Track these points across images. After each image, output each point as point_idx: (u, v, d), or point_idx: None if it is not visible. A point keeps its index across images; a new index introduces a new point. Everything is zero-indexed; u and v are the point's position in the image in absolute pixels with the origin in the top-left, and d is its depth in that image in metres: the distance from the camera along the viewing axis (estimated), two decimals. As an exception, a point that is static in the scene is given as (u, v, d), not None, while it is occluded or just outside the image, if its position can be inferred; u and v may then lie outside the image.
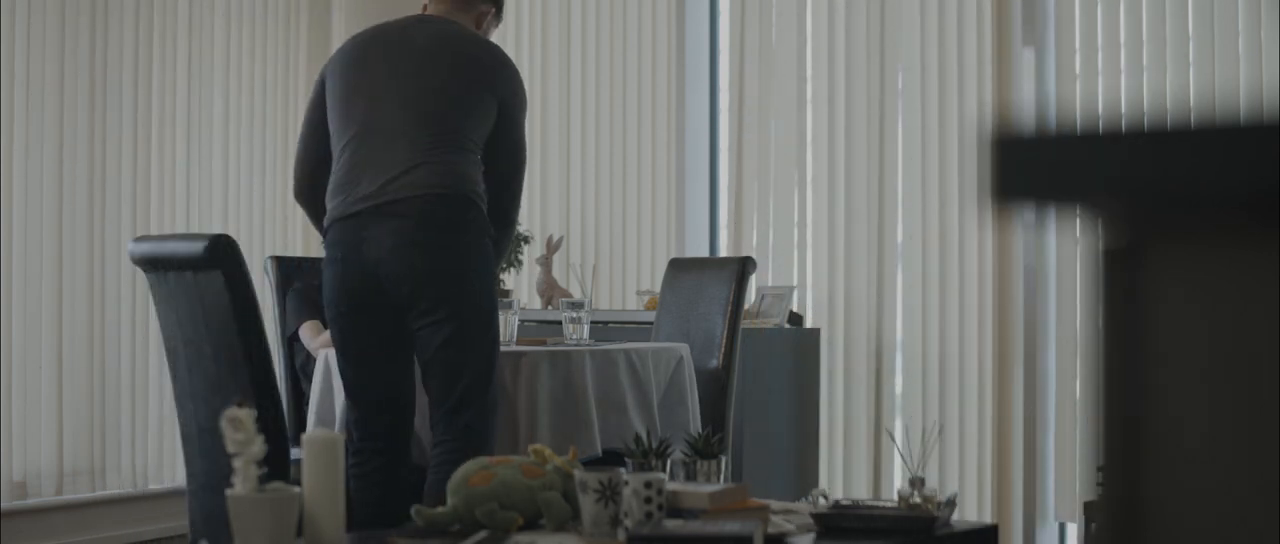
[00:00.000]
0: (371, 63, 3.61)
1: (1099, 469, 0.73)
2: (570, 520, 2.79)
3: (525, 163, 3.77)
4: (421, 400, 3.65)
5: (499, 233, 3.64)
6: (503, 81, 3.66)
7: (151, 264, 3.64)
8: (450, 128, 3.52)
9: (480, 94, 3.58)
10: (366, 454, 3.61)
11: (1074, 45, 4.67)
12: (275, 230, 5.96)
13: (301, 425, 4.23)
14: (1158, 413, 0.70)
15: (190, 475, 3.63)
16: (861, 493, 5.08)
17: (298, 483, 2.61)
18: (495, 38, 6.20)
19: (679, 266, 4.72)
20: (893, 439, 4.93)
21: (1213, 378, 0.68)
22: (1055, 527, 4.80)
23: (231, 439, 2.45)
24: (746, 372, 4.72)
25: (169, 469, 5.40)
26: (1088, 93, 4.61)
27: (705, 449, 3.17)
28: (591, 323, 4.23)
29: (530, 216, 6.02)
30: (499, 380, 3.62)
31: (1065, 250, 4.68)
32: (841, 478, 5.16)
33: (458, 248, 3.50)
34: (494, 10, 3.87)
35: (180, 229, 5.48)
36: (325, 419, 3.91)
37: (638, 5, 5.81)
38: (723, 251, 5.69)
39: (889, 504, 2.87)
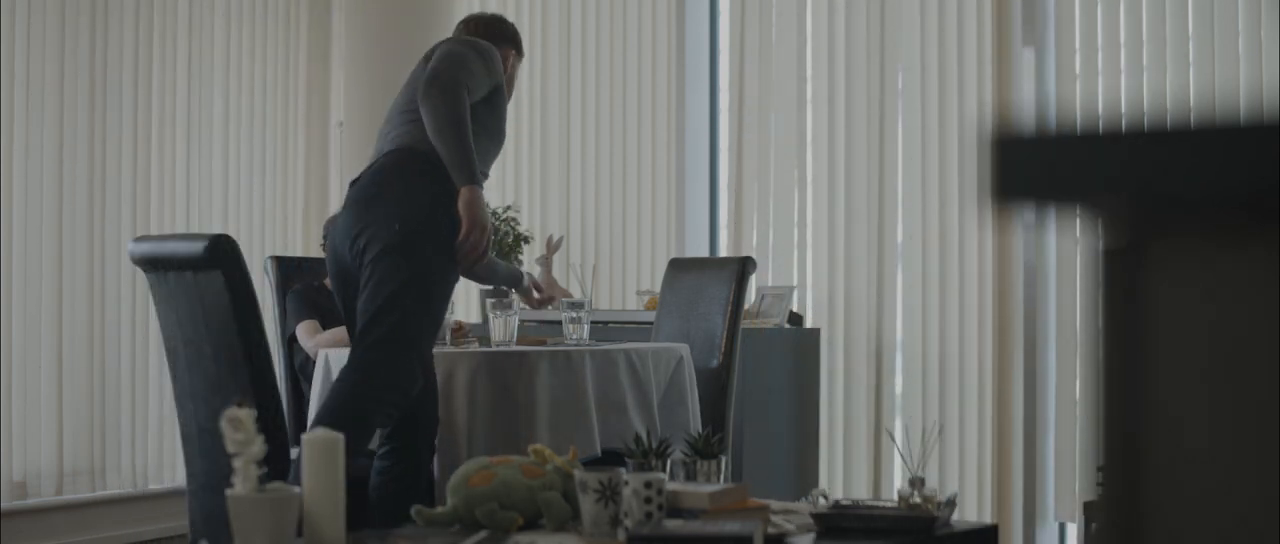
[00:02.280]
0: None
1: (1099, 469, 0.73)
2: (570, 520, 2.79)
3: (459, 59, 3.53)
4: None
5: (428, 119, 3.47)
6: (441, 42, 3.67)
7: (151, 264, 3.64)
8: (406, 108, 3.63)
9: (424, 66, 3.63)
10: (382, 454, 3.64)
11: (1074, 45, 4.67)
12: (275, 230, 5.96)
13: (302, 425, 4.23)
14: (1158, 412, 0.70)
15: (190, 475, 3.63)
16: (861, 493, 5.08)
17: (298, 483, 2.61)
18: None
19: (679, 266, 4.72)
20: (893, 439, 4.93)
21: (1213, 377, 0.68)
22: (1055, 527, 4.80)
23: (231, 439, 2.45)
24: (746, 372, 4.72)
25: (169, 469, 5.40)
26: (1088, 93, 4.61)
27: (705, 449, 3.17)
28: (591, 323, 4.23)
29: (530, 216, 6.02)
30: (413, 346, 3.47)
31: (1065, 250, 4.68)
32: (841, 478, 5.16)
33: (381, 196, 3.51)
34: (514, 51, 3.91)
35: (180, 229, 5.48)
36: (325, 419, 3.91)
37: (638, 5, 5.81)
38: (723, 251, 5.69)
39: (889, 504, 2.87)
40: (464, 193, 3.42)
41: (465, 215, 3.42)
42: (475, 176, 3.43)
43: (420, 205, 3.47)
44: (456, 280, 3.62)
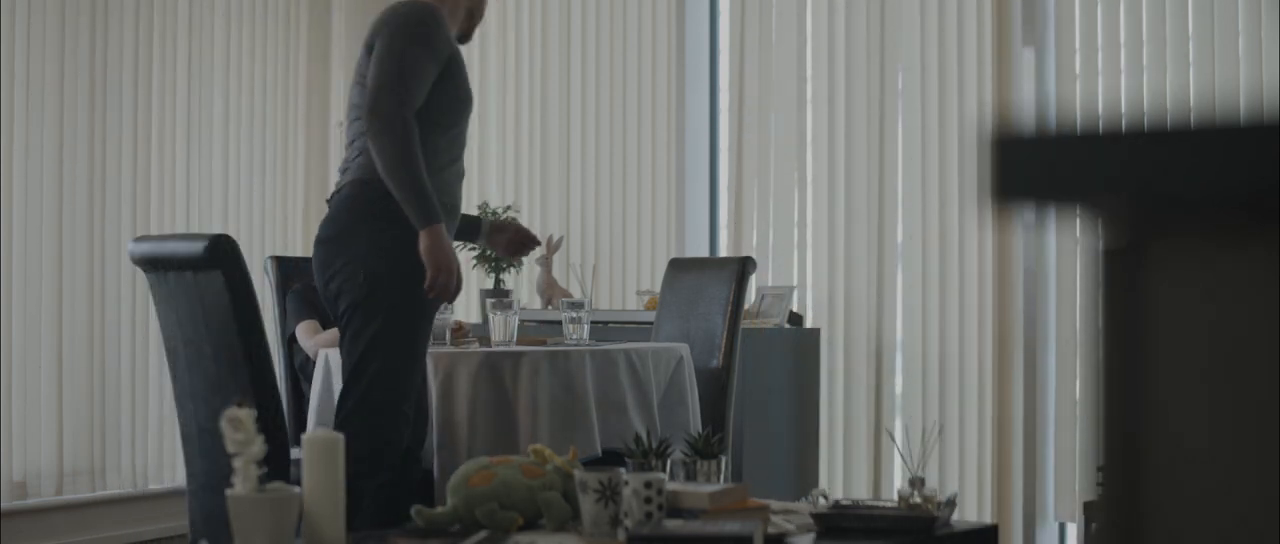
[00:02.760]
0: None
1: (1099, 469, 0.73)
2: (570, 520, 2.80)
3: (392, 67, 3.32)
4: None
5: (376, 159, 3.32)
6: (378, 27, 3.43)
7: (151, 264, 3.65)
8: (361, 114, 3.45)
9: (367, 58, 3.43)
10: None
11: (1074, 45, 4.67)
12: (275, 230, 5.96)
13: (301, 425, 4.23)
14: (1157, 412, 0.70)
15: (190, 475, 3.63)
16: (861, 493, 5.08)
17: (298, 483, 2.61)
18: (496, 38, 6.23)
19: (679, 266, 4.72)
20: (893, 439, 4.93)
21: (1213, 377, 0.68)
22: (1055, 527, 4.80)
23: (231, 439, 2.45)
24: (746, 372, 4.72)
25: (169, 469, 5.40)
26: (1088, 93, 4.61)
27: (705, 449, 3.17)
28: (591, 323, 4.23)
29: (530, 216, 6.02)
30: (388, 389, 3.36)
31: (1065, 250, 4.68)
32: (841, 478, 5.16)
33: (345, 237, 3.41)
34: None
35: (180, 229, 5.48)
36: (325, 419, 3.91)
37: (638, 5, 5.81)
38: (723, 251, 5.69)
39: (889, 504, 2.87)
40: (423, 237, 3.28)
41: (428, 262, 3.29)
42: (433, 216, 3.28)
43: (384, 254, 3.35)
44: (434, 315, 3.52)
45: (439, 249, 3.29)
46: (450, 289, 3.34)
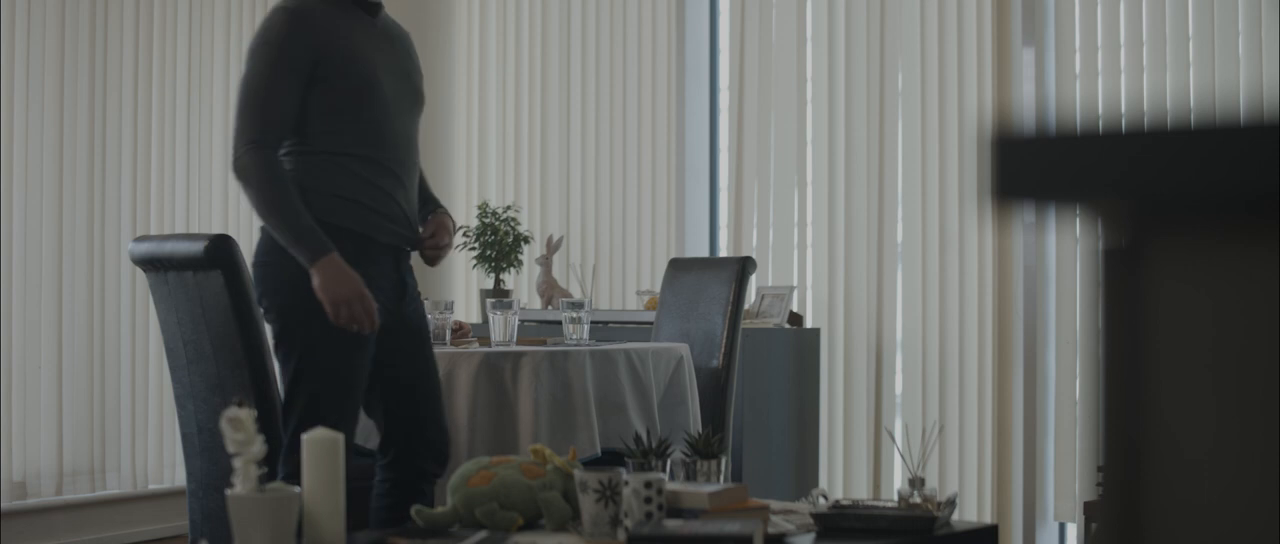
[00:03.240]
0: None
1: (1099, 469, 0.73)
2: (570, 520, 2.80)
3: (240, 101, 3.15)
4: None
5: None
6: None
7: (151, 264, 3.65)
8: None
9: None
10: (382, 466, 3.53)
11: (1074, 45, 4.67)
12: (275, 230, 5.96)
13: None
14: (1158, 412, 0.70)
15: (190, 475, 3.64)
16: (861, 493, 5.08)
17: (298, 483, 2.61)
18: (496, 38, 6.22)
19: (679, 266, 4.72)
20: (893, 439, 4.93)
21: (1213, 376, 0.68)
22: (1055, 527, 4.81)
23: (231, 439, 2.46)
24: (746, 372, 4.72)
25: (169, 469, 5.40)
26: (1088, 93, 4.61)
27: (705, 449, 3.17)
28: (591, 323, 4.23)
29: (530, 216, 6.02)
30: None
31: (1065, 250, 4.68)
32: (841, 478, 5.16)
33: (264, 267, 3.26)
34: None
35: (180, 229, 5.49)
36: (325, 419, 3.91)
37: (638, 5, 5.81)
38: (723, 251, 5.69)
39: (889, 504, 2.87)
40: (313, 276, 3.07)
41: (323, 300, 3.06)
42: (317, 251, 3.07)
43: (295, 287, 3.14)
44: (367, 339, 3.19)
45: (331, 284, 3.06)
46: (359, 317, 3.09)
